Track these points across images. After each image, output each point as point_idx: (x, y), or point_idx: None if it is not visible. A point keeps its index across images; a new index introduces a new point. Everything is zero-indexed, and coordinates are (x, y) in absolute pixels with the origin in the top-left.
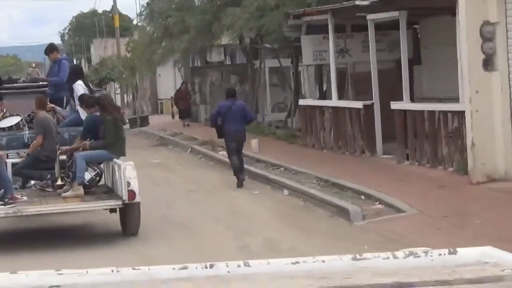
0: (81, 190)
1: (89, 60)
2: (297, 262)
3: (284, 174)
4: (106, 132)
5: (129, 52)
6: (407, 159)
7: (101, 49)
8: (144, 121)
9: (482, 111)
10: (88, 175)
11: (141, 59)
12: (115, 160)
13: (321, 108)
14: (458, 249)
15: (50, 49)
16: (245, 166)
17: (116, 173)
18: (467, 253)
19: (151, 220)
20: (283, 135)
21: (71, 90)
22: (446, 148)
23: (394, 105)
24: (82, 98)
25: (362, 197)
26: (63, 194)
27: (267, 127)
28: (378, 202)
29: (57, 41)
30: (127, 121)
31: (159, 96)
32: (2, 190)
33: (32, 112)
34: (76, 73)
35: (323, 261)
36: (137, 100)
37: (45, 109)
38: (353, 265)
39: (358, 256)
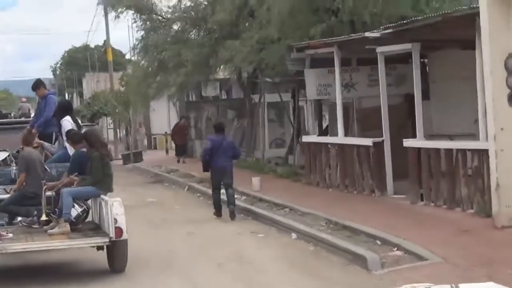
0: (67, 227)
1: (81, 95)
2: None
3: (289, 215)
4: (93, 169)
5: (123, 86)
6: (421, 200)
7: (93, 83)
8: (137, 156)
9: (507, 150)
10: (74, 212)
11: (135, 93)
12: (102, 196)
13: (326, 145)
14: (460, 285)
15: (37, 85)
16: (247, 205)
17: (103, 209)
18: None
19: (150, 266)
20: (285, 172)
21: (59, 126)
22: (465, 188)
23: (407, 143)
24: (68, 134)
25: (378, 242)
26: (49, 231)
27: (266, 164)
28: (396, 248)
29: (49, 75)
30: (119, 156)
31: (152, 131)
32: None
33: (21, 148)
34: (64, 108)
35: None
36: (131, 135)
37: (31, 145)
38: None
39: None
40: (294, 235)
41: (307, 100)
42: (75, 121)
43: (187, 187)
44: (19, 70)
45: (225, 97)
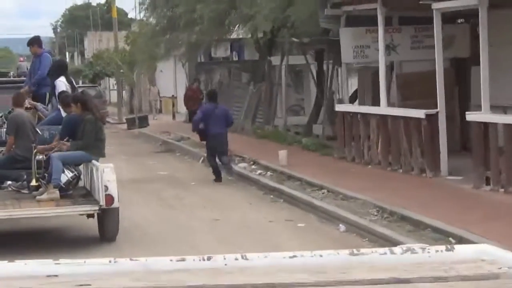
0: (56, 193)
1: (82, 54)
2: (295, 256)
3: (329, 198)
4: (85, 132)
5: (128, 45)
6: (487, 183)
7: (95, 42)
8: (143, 121)
9: None
10: (64, 177)
11: (141, 53)
12: (93, 162)
13: (365, 115)
14: (456, 246)
15: (32, 41)
16: (275, 184)
17: (94, 176)
18: (465, 250)
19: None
20: (312, 144)
21: (53, 87)
22: None
23: (471, 116)
24: (60, 96)
25: (452, 239)
26: (37, 197)
27: (287, 133)
28: None
29: (49, 33)
30: (123, 120)
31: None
32: None
33: (11, 109)
34: (59, 68)
35: (321, 256)
36: (136, 97)
37: (21, 106)
38: (350, 260)
39: (355, 251)
40: (342, 227)
41: (332, 64)
42: (69, 82)
43: (202, 158)
44: (19, 27)
45: (236, 58)
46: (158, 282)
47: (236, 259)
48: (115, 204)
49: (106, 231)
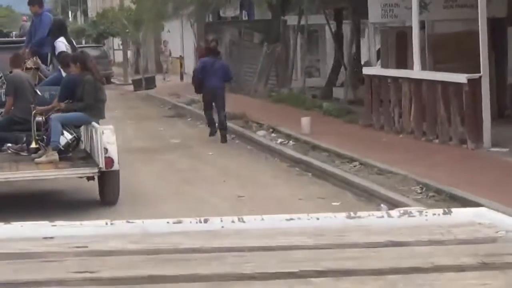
0: (55, 156)
1: (85, 13)
2: (292, 219)
3: (364, 173)
4: (85, 93)
5: (134, 3)
6: None
7: (98, 1)
8: (150, 82)
9: None
10: (63, 140)
11: (148, 12)
12: (93, 124)
13: (396, 79)
14: (453, 209)
15: (33, 0)
16: (300, 155)
17: (94, 138)
18: (462, 214)
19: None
20: (334, 110)
21: (53, 47)
22: None
23: None
24: (59, 56)
25: None
26: (36, 160)
27: (304, 96)
28: None
29: None
30: (129, 81)
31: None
32: None
33: (11, 71)
34: (59, 29)
35: (318, 219)
36: (142, 58)
37: (20, 67)
38: (348, 223)
39: (352, 214)
40: (384, 207)
41: (353, 23)
42: (69, 42)
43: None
44: None
45: (246, 18)
46: (155, 244)
47: (233, 221)
48: (115, 166)
49: (106, 194)
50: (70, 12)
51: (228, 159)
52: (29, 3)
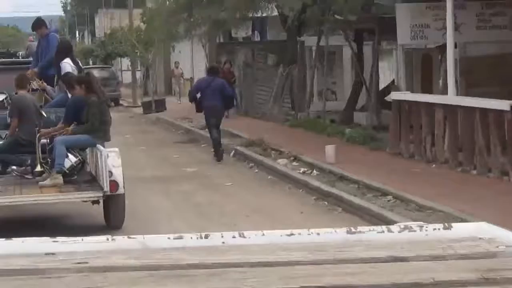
0: (60, 179)
1: (93, 33)
2: (292, 234)
3: (400, 208)
4: (90, 115)
5: (144, 23)
6: None
7: (106, 21)
8: (160, 105)
9: None
10: (68, 162)
11: (159, 32)
12: (98, 146)
13: (430, 105)
14: (453, 224)
15: (38, 24)
16: (327, 187)
17: (98, 161)
18: (462, 229)
19: None
20: (358, 136)
21: (59, 68)
22: None
23: None
24: (64, 78)
25: None
26: (40, 183)
27: (322, 120)
28: None
29: (59, 12)
30: (112, 104)
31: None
32: None
33: (16, 92)
34: (65, 50)
35: (318, 234)
36: (151, 80)
37: (25, 88)
38: (348, 239)
39: (353, 230)
40: None
41: (376, 45)
42: (75, 63)
43: (233, 152)
44: (27, 5)
45: (258, 39)
46: (156, 260)
47: (234, 237)
48: (120, 190)
49: (111, 218)
50: (77, 32)
51: (249, 191)
52: (34, 29)
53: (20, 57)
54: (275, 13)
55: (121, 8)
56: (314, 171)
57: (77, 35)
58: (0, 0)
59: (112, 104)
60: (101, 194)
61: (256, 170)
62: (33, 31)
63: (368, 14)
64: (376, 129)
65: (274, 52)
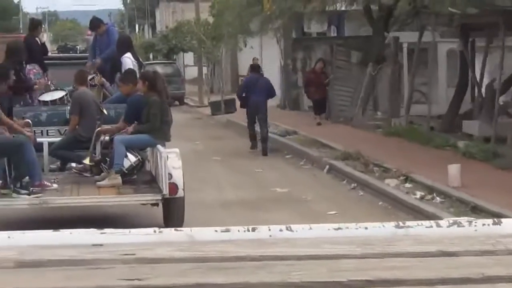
0: (118, 179)
1: (153, 27)
2: (340, 228)
3: None
4: (151, 115)
5: (213, 16)
6: None
7: (167, 14)
8: (230, 106)
9: None
10: (127, 162)
11: (230, 26)
12: (158, 147)
13: None
14: (503, 220)
15: (95, 25)
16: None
17: (158, 162)
18: None
19: None
20: (478, 152)
21: (119, 63)
22: None
23: None
24: (125, 74)
25: None
26: (98, 183)
27: (420, 127)
28: None
29: (118, 5)
30: (177, 103)
31: (240, 72)
32: (28, 176)
33: (74, 87)
34: (125, 45)
35: (366, 228)
36: (217, 76)
37: (85, 84)
38: (396, 233)
39: (401, 224)
40: None
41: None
42: (136, 58)
43: (327, 167)
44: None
45: (335, 34)
46: (202, 252)
47: (281, 230)
48: (180, 193)
49: (170, 221)
50: (137, 26)
51: (360, 220)
52: (94, 28)
53: (78, 51)
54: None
55: (182, 1)
56: (436, 197)
57: (136, 29)
58: None
59: (176, 103)
60: (160, 197)
61: (361, 193)
62: (92, 31)
63: (490, 7)
64: (487, 141)
65: (357, 49)
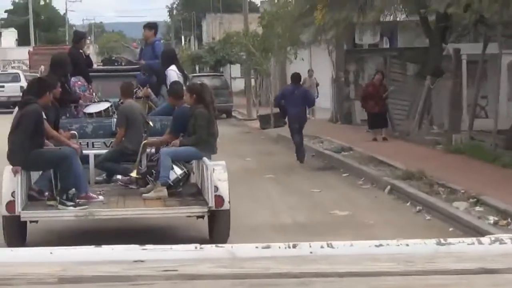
0: (164, 192)
1: (199, 38)
2: (381, 245)
3: None
4: (197, 127)
5: (264, 27)
6: None
7: (215, 26)
8: (279, 119)
9: None
10: (173, 175)
11: (282, 38)
12: (204, 159)
13: None
14: None
15: (150, 26)
16: None
17: (204, 174)
18: None
19: None
20: None
21: (164, 76)
22: None
23: None
24: (171, 87)
25: None
26: (144, 195)
27: (482, 144)
28: None
29: (164, 17)
30: (224, 115)
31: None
32: (74, 188)
33: (119, 100)
34: (170, 57)
35: (407, 245)
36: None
37: (131, 96)
38: (437, 250)
39: (442, 241)
40: None
41: None
42: (181, 70)
43: (388, 187)
44: (132, 10)
45: (387, 45)
46: (243, 269)
47: (322, 247)
48: (226, 206)
49: (215, 234)
50: (183, 37)
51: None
52: (147, 26)
53: (122, 63)
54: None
55: (229, 12)
56: None
57: (182, 40)
58: (104, 6)
59: (224, 116)
60: (206, 210)
61: (428, 217)
62: (144, 27)
63: None
64: None
65: (413, 61)
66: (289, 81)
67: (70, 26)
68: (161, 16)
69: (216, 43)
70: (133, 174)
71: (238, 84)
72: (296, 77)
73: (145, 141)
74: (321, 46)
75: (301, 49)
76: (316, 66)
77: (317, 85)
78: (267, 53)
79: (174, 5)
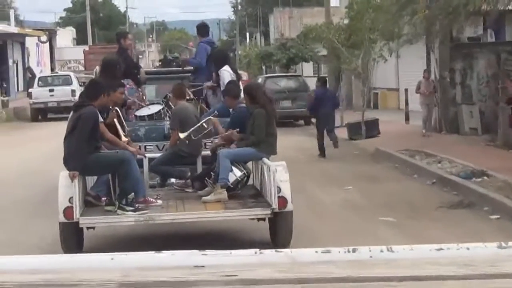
0: (224, 194)
1: (265, 35)
2: (441, 249)
3: None
4: (255, 127)
5: (352, 19)
6: None
7: (283, 21)
8: (372, 128)
9: None
10: (232, 177)
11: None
12: (264, 160)
13: None
14: None
15: (197, 29)
16: None
17: (265, 175)
18: None
19: None
20: None
21: (218, 77)
22: None
23: None
24: (227, 87)
25: None
26: (203, 198)
27: None
28: None
29: (228, 13)
30: (343, 123)
31: (374, 83)
32: (133, 193)
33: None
34: (222, 57)
35: (468, 249)
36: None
37: (183, 98)
38: (499, 254)
39: (503, 244)
40: None
41: None
42: (234, 70)
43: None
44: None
45: (492, 39)
46: (303, 273)
47: (382, 251)
48: (289, 207)
49: (278, 236)
50: (247, 34)
51: None
52: (205, 34)
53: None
54: None
55: (298, 6)
56: None
57: (247, 37)
58: (167, 3)
59: (301, 122)
60: (269, 212)
61: None
62: (197, 33)
63: None
64: None
65: None
66: (379, 82)
67: (131, 24)
68: (225, 12)
69: (297, 37)
70: (182, 135)
71: (310, 84)
72: (323, 80)
73: (213, 146)
74: (415, 42)
75: (398, 46)
76: (404, 65)
77: (435, 91)
78: (355, 49)
79: (239, 1)
